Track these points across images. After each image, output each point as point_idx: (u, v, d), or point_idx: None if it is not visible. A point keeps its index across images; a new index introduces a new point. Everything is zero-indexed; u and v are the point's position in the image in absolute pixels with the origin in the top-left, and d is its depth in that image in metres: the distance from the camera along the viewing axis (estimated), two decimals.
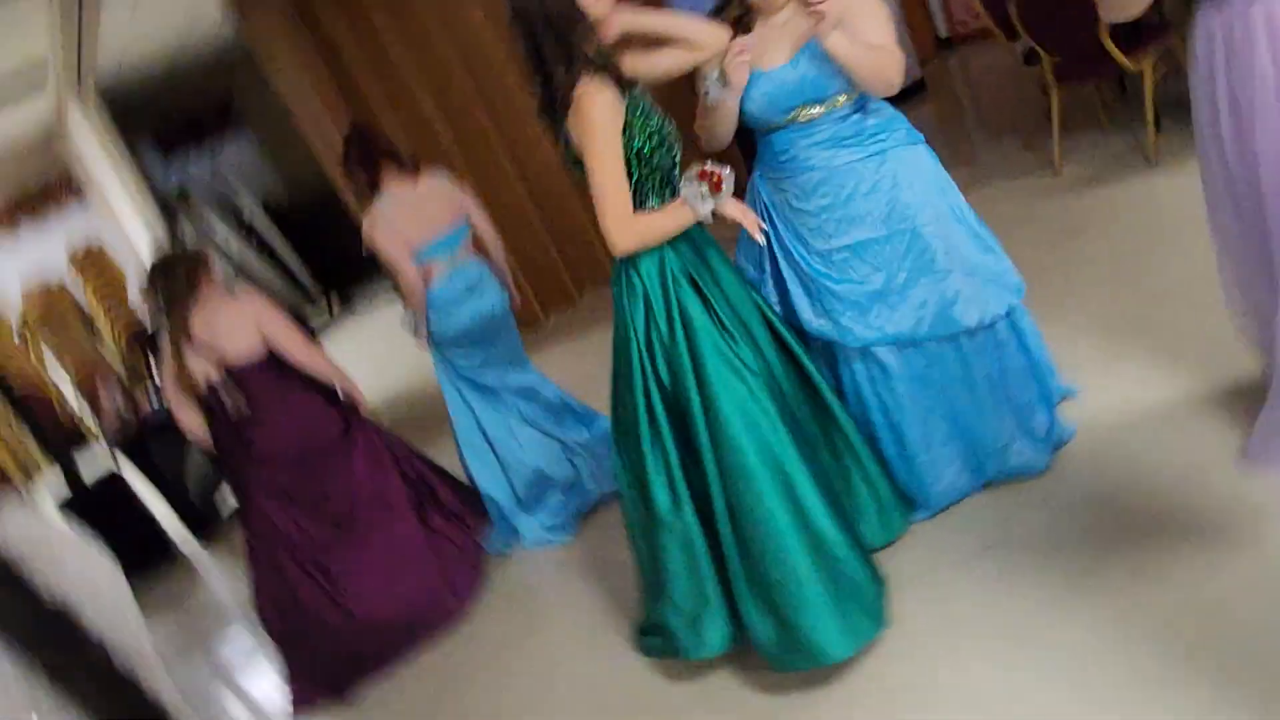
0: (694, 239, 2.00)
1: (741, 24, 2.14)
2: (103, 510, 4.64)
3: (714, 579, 2.03)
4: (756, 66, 2.05)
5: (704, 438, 1.93)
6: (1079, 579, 1.93)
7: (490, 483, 3.08)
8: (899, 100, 2.12)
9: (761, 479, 1.91)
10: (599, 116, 1.83)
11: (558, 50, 1.85)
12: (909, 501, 2.29)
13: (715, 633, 2.05)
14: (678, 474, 2.00)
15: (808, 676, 1.99)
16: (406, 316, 3.08)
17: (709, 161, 1.91)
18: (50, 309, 8.65)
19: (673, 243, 1.97)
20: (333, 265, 9.37)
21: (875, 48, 1.98)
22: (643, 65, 2.02)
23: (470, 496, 3.11)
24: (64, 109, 8.02)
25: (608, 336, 2.09)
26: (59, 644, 0.90)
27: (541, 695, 2.42)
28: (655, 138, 1.92)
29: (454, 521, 3.01)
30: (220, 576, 4.54)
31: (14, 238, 9.67)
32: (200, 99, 9.60)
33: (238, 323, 2.70)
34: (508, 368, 3.11)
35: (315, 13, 4.34)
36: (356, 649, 2.77)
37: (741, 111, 2.11)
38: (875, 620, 1.98)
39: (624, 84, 1.90)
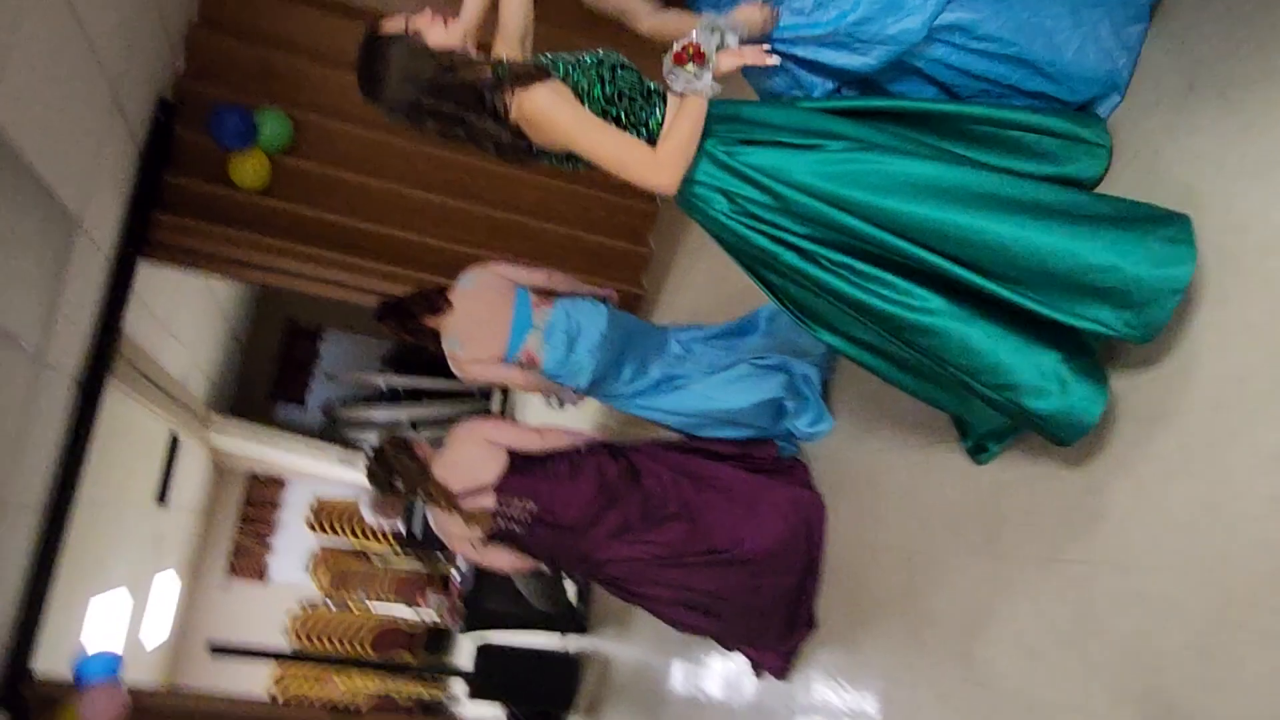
0: (711, 113, 1.84)
1: None
2: (499, 674, 5.06)
3: (1027, 331, 1.81)
4: None
5: (884, 237, 1.75)
6: None
7: (737, 433, 3.06)
8: None
9: (961, 220, 1.71)
10: (551, 113, 1.72)
11: (462, 108, 1.73)
12: (1091, 106, 2.01)
13: (1085, 367, 1.81)
14: (903, 282, 1.80)
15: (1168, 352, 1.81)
16: (549, 400, 3.07)
17: (674, 42, 1.74)
18: (334, 571, 9.49)
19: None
20: None
21: None
22: (507, 43, 1.87)
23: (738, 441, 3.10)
24: (211, 445, 8.72)
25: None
26: None
27: (928, 537, 2.40)
28: (604, 72, 1.78)
29: (747, 458, 3.01)
30: (622, 644, 4.83)
31: (271, 550, 10.70)
32: (274, 340, 10.17)
33: (471, 454, 2.76)
34: (657, 353, 3.06)
35: (266, 217, 4.45)
36: (780, 584, 2.81)
37: None
38: (1180, 220, 1.73)
39: (534, 71, 1.76)
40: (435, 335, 2.95)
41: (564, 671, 5.15)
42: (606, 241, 5.16)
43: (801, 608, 2.85)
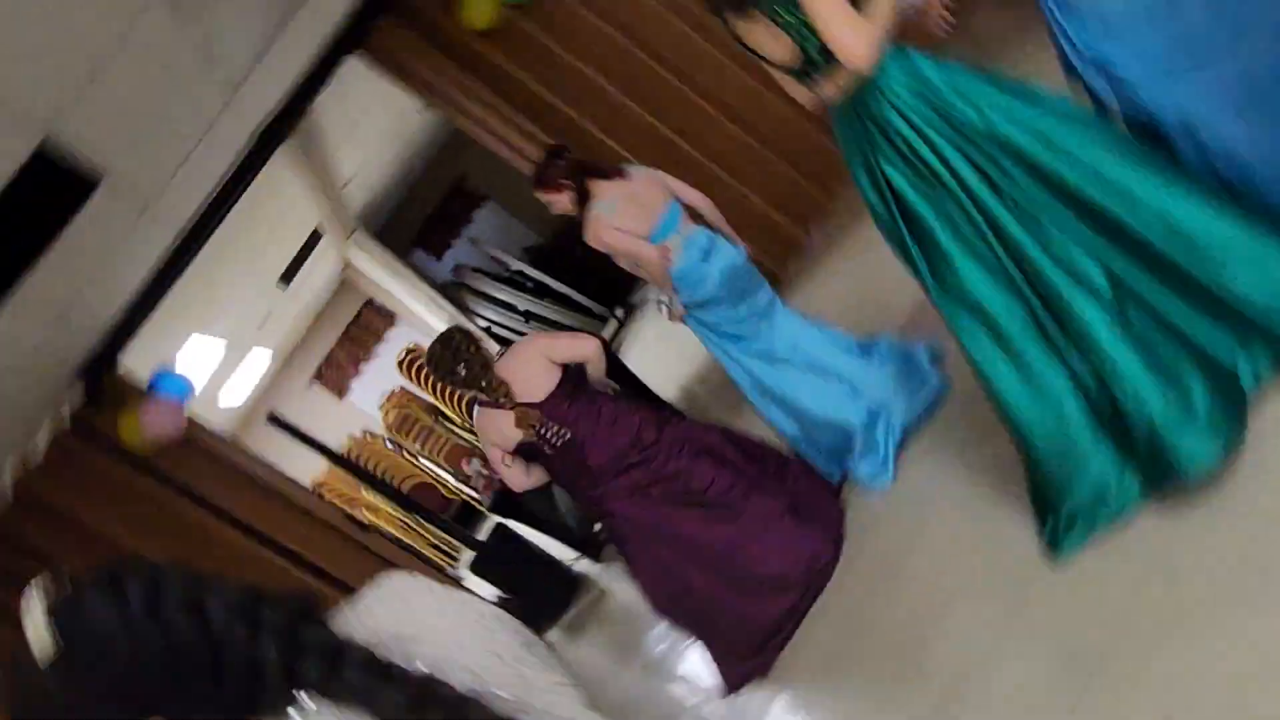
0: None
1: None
2: (506, 560, 5.19)
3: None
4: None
5: (1084, 188, 1.74)
6: None
7: (790, 427, 3.09)
8: None
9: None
10: None
11: None
12: None
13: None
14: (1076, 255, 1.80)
15: None
16: (660, 304, 3.22)
17: None
18: (402, 413, 9.83)
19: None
20: (606, 282, 9.85)
21: None
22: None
23: (793, 458, 3.10)
24: (346, 256, 9.14)
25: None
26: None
27: (946, 597, 2.31)
28: None
29: (794, 479, 2.99)
30: (625, 585, 4.86)
31: (358, 373, 11.18)
32: (439, 189, 10.52)
33: (527, 369, 2.85)
34: (772, 317, 3.12)
35: (477, 60, 4.58)
36: (763, 614, 2.79)
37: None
38: None
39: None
40: (582, 197, 3.06)
41: (564, 585, 5.24)
42: (772, 215, 5.10)
43: (768, 649, 2.78)
